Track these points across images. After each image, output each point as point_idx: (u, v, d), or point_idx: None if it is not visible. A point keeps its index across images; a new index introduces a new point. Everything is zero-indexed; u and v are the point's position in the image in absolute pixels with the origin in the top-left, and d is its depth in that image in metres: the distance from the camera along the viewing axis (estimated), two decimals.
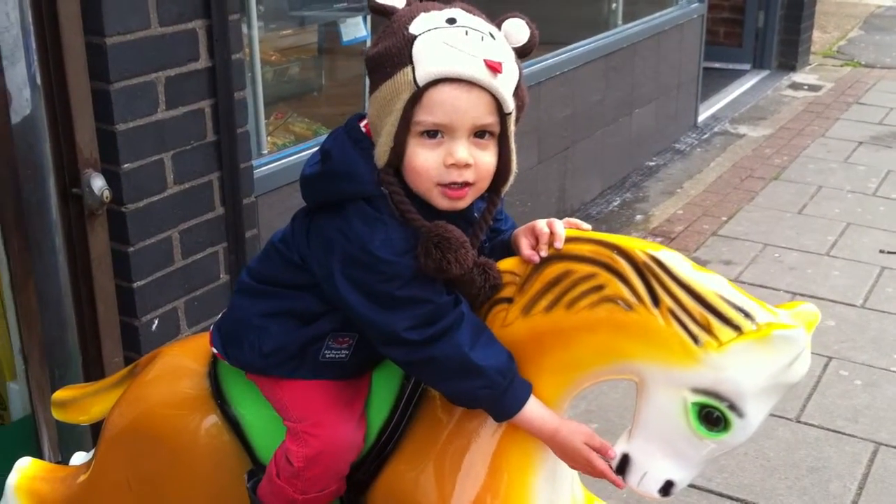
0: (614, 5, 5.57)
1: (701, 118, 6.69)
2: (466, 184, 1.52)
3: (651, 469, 1.50)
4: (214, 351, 1.75)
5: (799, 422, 3.23)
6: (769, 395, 1.43)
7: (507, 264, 1.59)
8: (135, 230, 2.56)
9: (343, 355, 1.67)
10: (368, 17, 3.82)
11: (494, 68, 1.48)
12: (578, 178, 5.15)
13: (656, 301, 1.44)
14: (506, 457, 1.60)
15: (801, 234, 4.76)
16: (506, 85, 1.50)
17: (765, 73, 7.92)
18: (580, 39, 5.12)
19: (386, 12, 1.55)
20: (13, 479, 1.95)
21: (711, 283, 1.44)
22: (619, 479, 1.55)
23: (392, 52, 1.49)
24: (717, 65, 7.74)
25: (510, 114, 1.52)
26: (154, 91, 2.54)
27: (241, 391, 1.75)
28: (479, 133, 1.52)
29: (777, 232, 4.79)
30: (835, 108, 6.98)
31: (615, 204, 5.26)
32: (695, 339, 1.42)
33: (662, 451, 1.49)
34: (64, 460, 2.48)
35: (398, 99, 1.49)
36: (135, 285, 2.60)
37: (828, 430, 3.19)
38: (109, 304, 2.51)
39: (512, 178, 1.62)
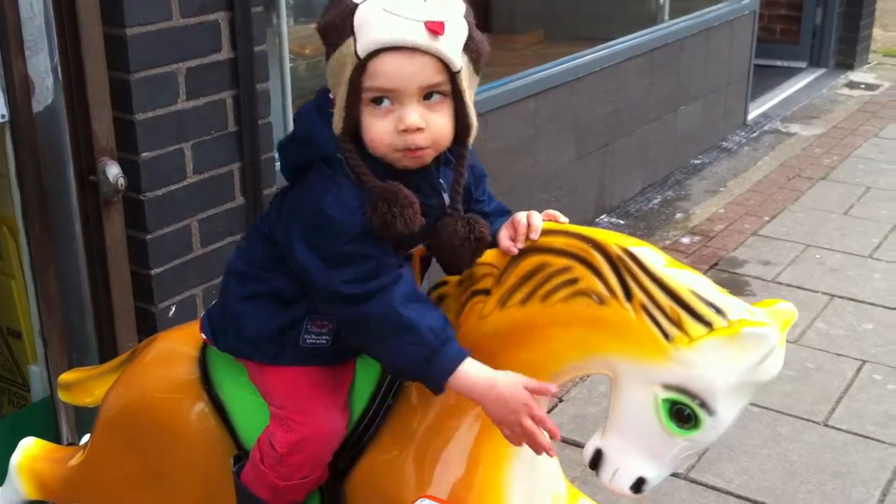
0: (661, 0, 5.49)
1: (751, 116, 6.57)
2: (420, 148, 1.54)
3: (623, 465, 1.48)
4: (203, 336, 1.77)
5: (826, 425, 3.16)
6: (740, 394, 1.40)
7: (486, 256, 1.58)
8: (153, 218, 2.60)
9: (324, 341, 1.68)
10: None
11: (435, 30, 1.47)
12: (619, 175, 5.10)
13: (629, 295, 1.42)
14: (482, 449, 1.60)
15: (846, 236, 4.65)
16: (451, 44, 1.49)
17: (821, 71, 7.74)
18: (625, 34, 5.06)
19: None
20: (16, 458, 2.00)
21: (685, 279, 1.41)
22: (556, 427, 1.51)
23: (336, 23, 1.50)
24: (772, 62, 7.59)
25: (459, 72, 1.51)
26: (175, 82, 2.58)
27: (228, 376, 1.77)
28: (428, 95, 1.52)
29: (820, 233, 4.68)
30: (890, 108, 6.79)
31: (656, 202, 5.20)
32: (665, 334, 1.39)
33: (635, 448, 1.47)
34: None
35: (344, 70, 1.50)
36: (152, 272, 2.64)
37: (856, 434, 3.11)
38: (124, 291, 2.56)
39: (474, 132, 1.61)
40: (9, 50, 2.29)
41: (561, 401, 3.27)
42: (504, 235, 1.60)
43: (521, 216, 1.60)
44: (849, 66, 7.82)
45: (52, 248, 2.49)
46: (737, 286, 4.09)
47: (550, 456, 1.55)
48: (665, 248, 4.49)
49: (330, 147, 1.56)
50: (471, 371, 1.53)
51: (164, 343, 1.92)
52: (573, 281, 1.46)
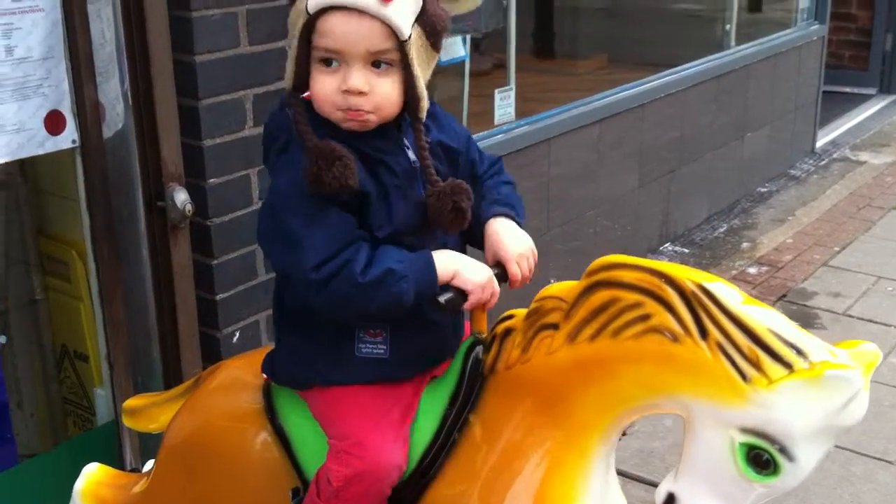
0: (728, 26, 5.42)
1: (820, 144, 6.44)
2: (362, 111, 1.56)
3: None
4: (264, 375, 1.77)
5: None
6: (822, 439, 1.34)
7: (553, 290, 1.55)
8: (219, 243, 2.61)
9: (381, 350, 1.67)
10: (468, 38, 3.83)
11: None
12: (683, 203, 5.02)
13: (704, 333, 1.37)
14: (549, 489, 1.55)
15: None
16: (400, 11, 1.52)
17: (891, 98, 7.57)
18: (691, 60, 5.00)
19: None
20: (80, 483, 2.01)
21: (763, 317, 1.36)
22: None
23: None
24: (841, 89, 7.45)
25: (407, 41, 1.54)
26: (242, 108, 2.60)
27: (292, 407, 1.76)
28: (376, 63, 1.55)
29: (892, 264, 4.54)
30: None
31: (721, 230, 5.10)
32: (743, 375, 1.34)
33: (709, 493, 1.42)
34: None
35: (296, 25, 1.56)
36: (217, 297, 2.65)
37: None
38: (190, 316, 2.57)
39: (424, 104, 1.64)
40: (80, 76, 2.33)
41: (625, 434, 3.20)
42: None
43: (514, 269, 1.68)
44: None
45: (120, 272, 2.52)
46: (806, 319, 3.99)
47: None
48: (731, 279, 4.42)
49: (288, 130, 1.61)
50: (441, 258, 1.62)
51: (228, 371, 1.91)
52: (645, 317, 1.41)
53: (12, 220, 2.79)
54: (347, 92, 1.54)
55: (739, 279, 4.42)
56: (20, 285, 2.85)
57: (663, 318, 1.40)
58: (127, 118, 2.44)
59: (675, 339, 1.39)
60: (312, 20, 1.53)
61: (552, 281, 4.11)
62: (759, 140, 5.65)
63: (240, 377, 1.87)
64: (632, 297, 1.43)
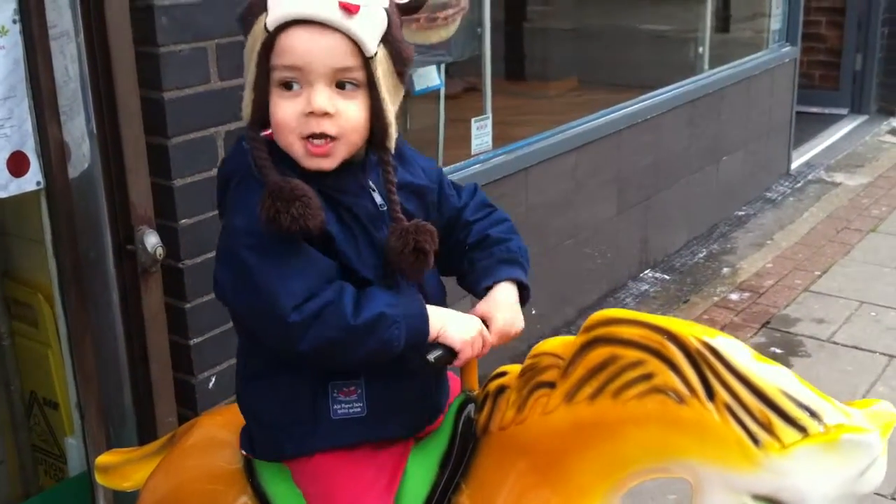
0: (700, 50, 5.41)
1: (794, 165, 6.44)
2: (327, 136, 1.46)
3: None
4: (243, 452, 1.69)
5: (894, 498, 2.99)
6: None
7: (549, 345, 1.48)
8: (192, 286, 2.52)
9: (358, 409, 1.57)
10: (443, 66, 3.77)
11: (349, 8, 1.42)
12: (662, 229, 4.98)
13: (711, 394, 1.30)
14: None
15: None
16: (365, 27, 1.44)
17: (863, 118, 7.60)
18: (664, 85, 4.98)
19: None
20: None
21: (774, 377, 1.29)
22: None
23: (252, 4, 1.48)
24: (812, 109, 7.47)
25: (373, 58, 1.46)
26: (213, 146, 2.51)
27: (273, 471, 1.66)
28: (341, 84, 1.46)
29: (875, 289, 4.52)
30: None
31: (701, 255, 5.07)
32: (754, 439, 1.27)
33: None
34: None
35: (254, 49, 1.46)
36: (191, 342, 2.55)
37: None
38: (163, 363, 2.47)
39: (393, 132, 1.55)
40: (44, 115, 2.23)
41: None
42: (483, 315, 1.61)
43: (507, 326, 1.61)
44: (891, 113, 7.68)
45: (89, 318, 2.41)
46: (790, 346, 3.95)
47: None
48: (714, 305, 4.38)
49: (246, 168, 1.51)
50: (433, 314, 1.54)
51: (204, 428, 1.82)
52: (648, 376, 1.34)
53: None
54: (311, 114, 1.44)
55: (722, 306, 4.38)
56: None
57: (667, 377, 1.33)
58: (93, 158, 2.34)
59: (680, 400, 1.32)
60: (272, 38, 1.44)
61: (533, 312, 4.07)
62: (734, 163, 5.63)
63: (216, 435, 1.78)
64: (633, 354, 1.36)
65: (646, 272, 4.84)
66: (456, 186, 1.77)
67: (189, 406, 2.60)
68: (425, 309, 1.53)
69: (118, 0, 2.20)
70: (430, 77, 3.77)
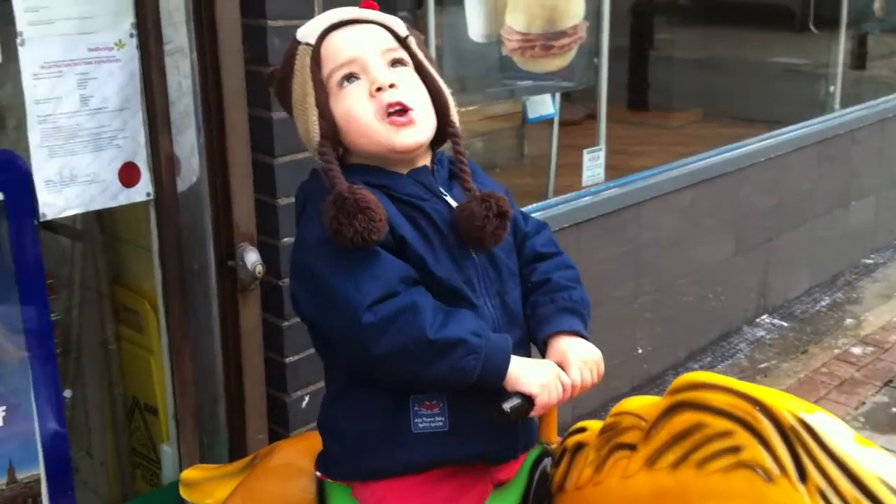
0: (832, 87, 5.19)
1: None
2: (403, 107, 1.51)
3: None
4: (318, 474, 1.67)
5: None
6: None
7: (632, 405, 1.40)
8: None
9: (440, 423, 1.52)
10: (557, 95, 3.72)
11: (371, 5, 1.61)
12: (782, 273, 4.78)
13: (803, 476, 1.20)
14: None
15: None
16: (387, 15, 1.61)
17: None
18: (792, 122, 4.79)
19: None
20: None
21: (873, 463, 1.18)
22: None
23: (286, 55, 1.61)
24: None
25: (407, 38, 1.59)
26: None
27: (342, 497, 1.64)
28: (392, 64, 1.56)
29: None
30: None
31: (823, 304, 4.83)
32: None
33: None
34: None
35: (304, 72, 1.55)
36: (287, 360, 2.56)
37: None
38: (257, 380, 2.49)
39: (453, 105, 1.63)
40: (156, 128, 2.29)
41: None
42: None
43: (576, 375, 1.54)
44: None
45: (189, 328, 2.45)
46: None
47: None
48: (834, 358, 4.17)
49: (318, 184, 1.55)
50: (519, 363, 1.50)
51: (284, 453, 1.82)
52: (735, 449, 1.25)
53: (88, 269, 2.77)
54: (380, 90, 1.50)
55: (842, 359, 4.17)
56: (94, 333, 2.82)
57: (756, 452, 1.24)
58: (201, 173, 2.38)
59: (768, 478, 1.23)
60: (316, 50, 1.54)
61: (639, 351, 3.96)
62: (864, 209, 5.37)
63: (294, 462, 1.77)
64: (721, 424, 1.27)
65: (763, 317, 4.65)
66: (523, 213, 1.77)
67: (281, 424, 2.61)
68: (509, 347, 1.48)
69: (230, 20, 2.24)
70: (544, 105, 3.73)
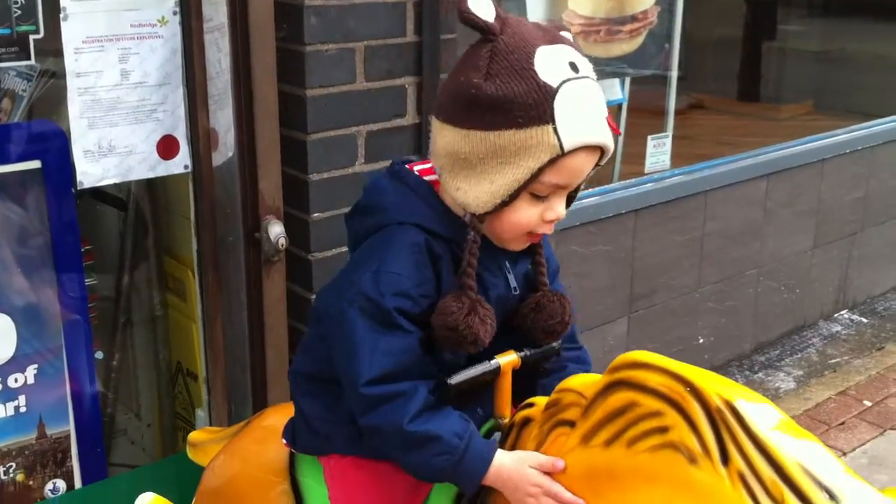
0: None
1: None
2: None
3: None
4: (284, 441, 1.71)
5: None
6: None
7: (575, 382, 1.38)
8: (319, 278, 2.57)
9: None
10: (627, 80, 3.65)
11: (613, 128, 1.43)
12: (866, 269, 4.58)
13: (726, 459, 1.16)
14: None
15: None
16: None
17: None
18: (883, 115, 4.57)
19: (483, 31, 1.40)
20: None
21: (796, 450, 1.13)
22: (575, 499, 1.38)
23: (527, 102, 1.36)
24: None
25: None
26: (353, 144, 2.55)
27: (310, 468, 1.68)
28: None
29: None
30: None
31: None
32: None
33: None
34: None
35: (531, 156, 1.38)
36: None
37: None
38: (280, 350, 2.54)
39: None
40: (195, 103, 2.36)
41: None
42: None
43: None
44: None
45: (221, 298, 2.52)
46: None
47: None
48: None
49: (398, 215, 1.47)
50: (505, 470, 1.43)
51: (271, 418, 1.86)
52: (664, 429, 1.22)
53: (138, 238, 2.88)
54: (550, 222, 1.46)
55: None
56: (143, 301, 2.93)
57: (683, 433, 1.20)
58: (237, 147, 2.45)
59: (692, 459, 1.18)
60: (557, 158, 1.39)
61: (700, 341, 3.85)
62: None
63: (277, 426, 1.80)
64: (653, 403, 1.23)
65: (842, 313, 4.47)
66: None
67: None
68: (491, 456, 1.44)
69: None
70: (612, 90, 3.67)
